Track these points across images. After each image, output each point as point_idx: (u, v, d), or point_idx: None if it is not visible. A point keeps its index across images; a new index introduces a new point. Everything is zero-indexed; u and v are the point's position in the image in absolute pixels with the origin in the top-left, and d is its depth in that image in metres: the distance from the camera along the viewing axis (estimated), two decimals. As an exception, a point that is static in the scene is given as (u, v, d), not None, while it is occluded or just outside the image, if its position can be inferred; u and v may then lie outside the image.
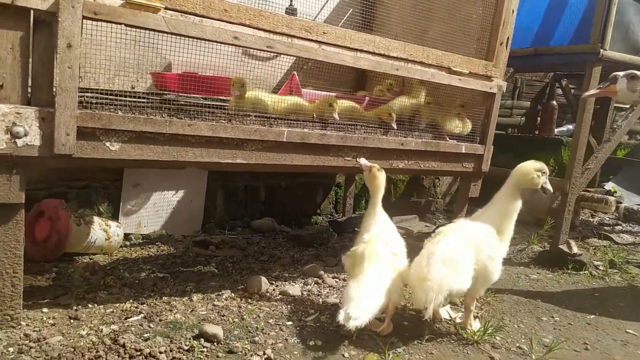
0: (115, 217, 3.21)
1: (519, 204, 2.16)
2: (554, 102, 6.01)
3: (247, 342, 1.87)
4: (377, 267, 2.01)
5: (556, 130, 6.36)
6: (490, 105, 2.91)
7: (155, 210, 3.38)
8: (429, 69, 2.57)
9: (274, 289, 2.44)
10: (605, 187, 6.05)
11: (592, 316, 2.41)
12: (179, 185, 3.47)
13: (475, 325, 2.12)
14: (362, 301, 1.86)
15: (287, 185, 4.03)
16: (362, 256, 2.05)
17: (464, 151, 2.84)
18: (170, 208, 3.45)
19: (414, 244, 3.50)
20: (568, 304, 2.55)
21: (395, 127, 2.59)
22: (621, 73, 2.57)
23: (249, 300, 2.28)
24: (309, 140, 2.24)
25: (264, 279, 2.46)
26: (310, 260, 2.97)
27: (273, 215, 3.88)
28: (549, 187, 2.22)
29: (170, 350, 1.72)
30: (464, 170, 2.92)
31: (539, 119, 6.19)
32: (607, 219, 5.04)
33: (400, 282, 2.08)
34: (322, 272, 2.70)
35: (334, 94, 2.72)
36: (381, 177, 2.24)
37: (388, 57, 2.41)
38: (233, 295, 2.33)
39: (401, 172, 2.98)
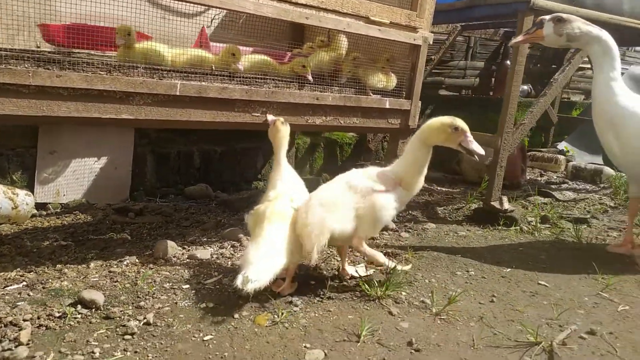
0: (30, 186, 3.05)
1: (425, 158, 2.05)
2: (509, 62, 5.93)
3: (130, 307, 1.77)
4: (278, 226, 1.91)
5: (511, 91, 6.30)
6: (416, 59, 2.80)
7: (75, 178, 3.21)
8: (344, 18, 2.43)
9: (182, 254, 2.33)
10: (558, 146, 6.06)
11: (509, 269, 2.38)
12: (102, 151, 3.30)
13: (353, 271, 2.12)
14: (261, 263, 1.76)
15: (224, 151, 3.90)
16: (263, 215, 1.95)
17: (388, 106, 2.74)
18: (92, 175, 3.29)
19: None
20: (487, 259, 2.51)
21: (311, 79, 2.46)
22: (547, 17, 2.47)
23: (152, 265, 2.18)
24: (207, 94, 2.10)
25: (171, 244, 2.35)
26: (236, 224, 2.87)
27: (209, 182, 3.76)
28: (472, 147, 1.91)
29: (38, 318, 1.61)
30: (390, 126, 2.82)
31: (493, 79, 6.11)
32: (555, 177, 5.05)
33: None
34: (241, 236, 2.61)
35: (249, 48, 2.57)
36: (284, 131, 2.15)
37: (296, 4, 2.26)
38: (137, 261, 2.22)
39: (319, 128, 2.87)
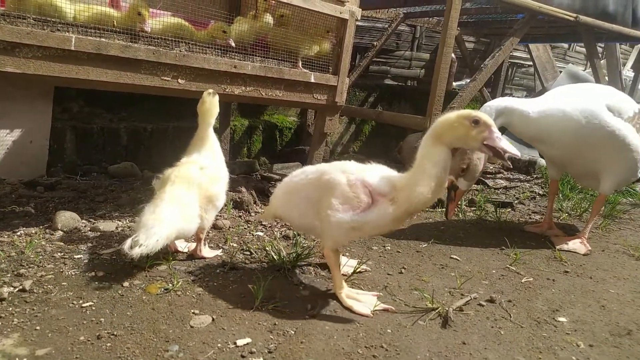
0: None
1: (441, 160, 1.50)
2: (453, 55, 6.01)
3: (8, 275, 1.63)
4: (181, 190, 1.81)
5: (455, 83, 6.40)
6: (343, 33, 2.75)
7: (-18, 151, 2.99)
8: (266, -14, 2.35)
9: (85, 226, 2.19)
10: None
11: (425, 245, 2.37)
12: (16, 123, 3.08)
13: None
14: (155, 227, 1.65)
15: (155, 130, 3.74)
16: (167, 179, 1.85)
17: (313, 80, 2.68)
18: (3, 149, 3.06)
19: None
20: (407, 235, 2.50)
21: (233, 45, 2.37)
22: (451, 177, 2.24)
23: (47, 236, 2.03)
24: (107, 51, 1.96)
25: (73, 215, 2.20)
26: (155, 200, 2.73)
27: (138, 161, 3.59)
28: (501, 145, 1.44)
29: None
30: (316, 102, 2.76)
31: (437, 71, 6.18)
32: (492, 168, 5.15)
33: (212, 209, 1.90)
34: (157, 210, 2.48)
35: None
36: (209, 102, 2.02)
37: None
38: (33, 232, 2.06)
39: (238, 99, 2.77)
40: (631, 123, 2.40)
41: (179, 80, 2.22)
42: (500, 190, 4.02)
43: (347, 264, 1.96)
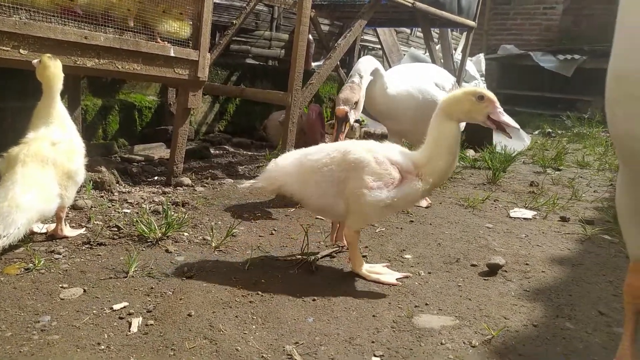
0: None
1: (452, 136, 1.62)
2: (310, 37, 6.28)
3: None
4: (35, 170, 1.69)
5: (313, 64, 6.71)
6: (201, 7, 2.75)
7: None
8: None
9: None
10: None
11: (293, 209, 2.54)
12: None
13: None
14: (11, 214, 1.52)
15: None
16: (16, 159, 1.71)
17: (173, 54, 2.64)
18: None
19: (153, 169, 3.27)
20: (277, 203, 2.64)
21: (80, 12, 2.23)
22: (346, 108, 2.31)
23: None
24: None
25: None
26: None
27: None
28: (503, 119, 1.57)
29: None
30: (177, 77, 2.74)
31: (296, 52, 6.41)
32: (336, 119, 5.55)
33: (72, 185, 1.82)
34: None
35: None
36: (55, 66, 1.87)
37: None
38: None
39: (92, 72, 2.63)
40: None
41: (21, 51, 2.04)
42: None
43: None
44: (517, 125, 1.59)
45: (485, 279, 1.78)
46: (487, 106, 1.57)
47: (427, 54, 7.65)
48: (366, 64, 2.50)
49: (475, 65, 9.64)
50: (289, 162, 1.71)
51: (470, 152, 5.00)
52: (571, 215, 2.77)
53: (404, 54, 7.46)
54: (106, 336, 1.24)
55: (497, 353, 1.28)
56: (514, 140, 5.72)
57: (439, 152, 1.59)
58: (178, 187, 2.85)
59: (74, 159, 1.82)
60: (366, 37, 7.72)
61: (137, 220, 2.02)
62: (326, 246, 2.01)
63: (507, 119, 1.57)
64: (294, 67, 3.30)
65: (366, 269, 1.73)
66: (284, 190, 1.71)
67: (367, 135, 5.62)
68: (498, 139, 5.39)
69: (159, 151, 4.00)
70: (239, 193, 2.83)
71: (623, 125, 0.92)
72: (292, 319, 1.39)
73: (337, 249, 1.97)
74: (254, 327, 1.33)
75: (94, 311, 1.35)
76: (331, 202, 1.65)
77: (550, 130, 9.59)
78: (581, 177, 4.08)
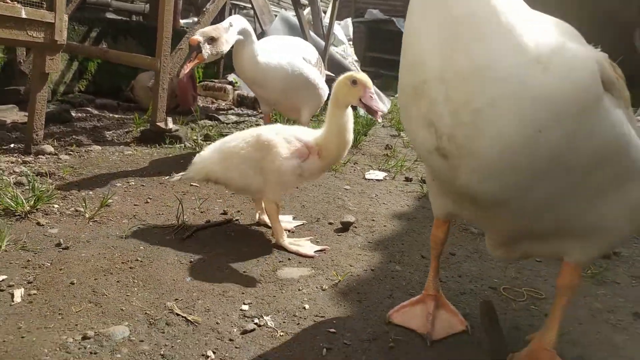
0: None
1: (339, 119, 1.81)
2: (177, -9, 6.05)
3: None
4: None
5: (182, 21, 6.50)
6: (56, -34, 2.60)
7: None
8: None
9: None
10: (228, 78, 6.70)
11: (166, 177, 2.62)
12: None
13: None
14: None
15: None
16: None
17: (24, 16, 2.48)
18: None
19: (7, 135, 3.05)
20: (149, 171, 2.72)
21: None
22: (201, 38, 2.51)
23: None
24: None
25: None
26: None
27: None
28: (371, 103, 1.72)
29: None
30: (32, 40, 2.58)
31: (163, 8, 6.15)
32: (224, 105, 5.62)
33: None
34: None
35: None
36: None
37: None
38: None
39: None
40: (315, 67, 3.13)
41: None
42: (231, 124, 4.52)
43: (285, 220, 2.15)
44: (385, 109, 1.85)
45: (338, 235, 2.13)
46: (359, 90, 1.72)
47: (313, 17, 7.86)
48: (237, 19, 2.64)
49: (344, 30, 10.10)
50: (210, 152, 1.94)
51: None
52: (414, 176, 3.28)
53: (275, 15, 7.56)
54: (-12, 308, 1.30)
55: (341, 293, 1.62)
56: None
57: (331, 135, 1.83)
58: (40, 156, 2.75)
59: None
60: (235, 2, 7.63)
61: (0, 194, 1.98)
62: (201, 212, 2.19)
63: (375, 103, 1.72)
64: (161, 31, 3.28)
65: (288, 241, 1.94)
66: (210, 178, 1.92)
67: (240, 98, 5.72)
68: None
69: (10, 114, 3.70)
70: (108, 161, 2.83)
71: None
72: (171, 280, 1.57)
73: (220, 221, 2.13)
74: (135, 289, 1.49)
75: (-30, 287, 1.39)
76: (251, 181, 1.89)
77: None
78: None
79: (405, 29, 1.10)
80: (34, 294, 1.40)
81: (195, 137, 3.63)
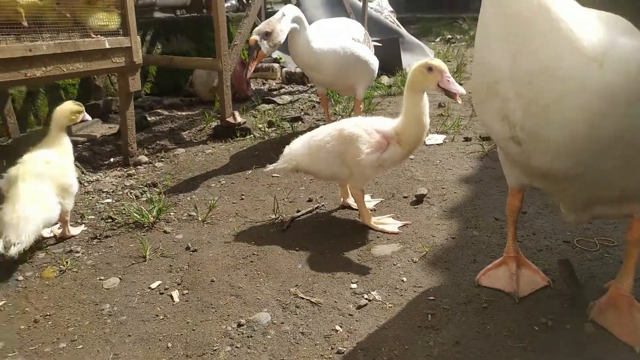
0: None
1: (417, 106, 1.95)
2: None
3: None
4: (32, 185, 1.97)
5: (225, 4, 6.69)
6: (124, -5, 2.87)
7: None
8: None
9: None
10: (272, 55, 6.90)
11: (250, 171, 2.96)
12: None
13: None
14: (21, 224, 1.82)
15: None
16: (15, 177, 1.97)
17: (108, 46, 2.80)
18: None
19: (102, 150, 3.46)
20: (233, 167, 3.04)
21: (26, 24, 2.35)
22: (257, 37, 2.70)
23: None
24: None
25: None
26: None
27: None
28: (450, 87, 1.81)
29: None
30: (116, 66, 2.91)
31: (203, -2, 6.36)
32: (275, 84, 5.86)
33: (69, 195, 2.11)
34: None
35: None
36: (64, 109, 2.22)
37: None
38: None
39: (45, 80, 2.75)
40: (364, 44, 3.28)
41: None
42: (287, 105, 4.76)
43: (365, 200, 2.29)
44: (463, 90, 1.82)
45: (415, 207, 2.37)
46: (436, 76, 1.83)
47: None
48: (289, 9, 2.85)
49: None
50: (299, 145, 2.16)
51: (385, 79, 5.51)
52: (472, 134, 3.42)
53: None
54: (159, 309, 1.67)
55: (431, 264, 1.87)
56: (421, 57, 6.30)
57: (409, 121, 1.96)
58: (138, 166, 3.13)
59: (67, 174, 2.11)
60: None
61: (125, 209, 2.36)
62: (290, 202, 2.49)
63: (453, 86, 1.81)
64: (218, 32, 3.51)
65: (374, 220, 2.17)
66: (300, 168, 2.16)
67: (289, 75, 5.93)
68: (406, 63, 5.94)
69: (97, 128, 4.12)
70: (196, 163, 3.17)
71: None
72: (287, 268, 1.89)
73: (310, 209, 2.42)
74: (261, 280, 1.82)
75: (138, 293, 1.76)
76: (337, 170, 2.10)
77: (450, 36, 10.31)
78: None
79: (477, 36, 1.29)
80: (187, 293, 1.76)
81: (260, 126, 3.91)
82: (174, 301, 1.71)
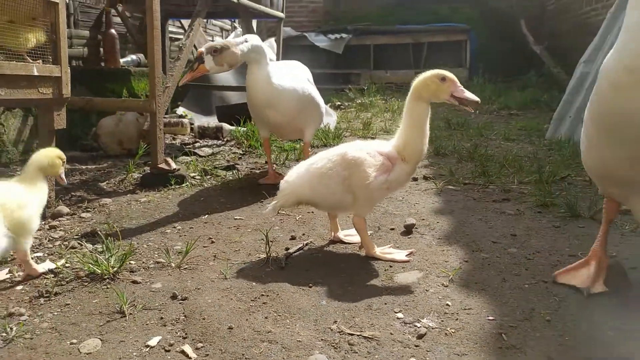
0: None
1: (425, 116, 1.88)
2: (113, 31, 5.84)
3: None
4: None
5: (122, 60, 6.27)
6: (55, 17, 2.48)
7: None
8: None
9: None
10: (177, 112, 6.55)
11: (206, 216, 2.61)
12: None
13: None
14: None
15: None
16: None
17: (36, 73, 2.35)
18: None
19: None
20: (184, 213, 2.66)
21: None
22: (204, 49, 2.63)
23: None
24: None
25: None
26: None
27: None
28: (466, 95, 1.77)
29: None
30: (42, 97, 2.44)
31: (101, 49, 5.91)
32: (187, 139, 5.50)
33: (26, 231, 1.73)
34: None
35: None
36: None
37: None
38: None
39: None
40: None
41: None
42: (210, 156, 4.46)
43: (352, 234, 2.20)
44: (478, 99, 1.80)
45: (408, 237, 2.25)
46: (449, 86, 1.80)
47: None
48: (253, 37, 2.73)
49: (270, 49, 10.26)
50: (297, 176, 1.96)
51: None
52: (415, 175, 3.48)
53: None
54: (175, 370, 1.27)
55: (464, 287, 1.74)
56: (326, 117, 6.48)
57: (413, 133, 1.88)
58: (59, 218, 2.58)
59: (24, 208, 1.72)
60: (171, 29, 7.50)
61: (78, 260, 1.87)
62: (271, 241, 2.21)
63: (468, 94, 1.79)
64: (153, 71, 3.21)
65: (380, 250, 2.00)
66: (301, 200, 1.96)
67: (202, 130, 5.62)
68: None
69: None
70: (134, 211, 2.72)
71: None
72: (312, 306, 1.60)
73: (301, 245, 2.15)
74: (288, 321, 1.51)
75: (135, 354, 1.33)
76: (340, 198, 1.93)
77: (339, 103, 10.92)
78: (398, 142, 4.96)
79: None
80: (202, 346, 1.37)
81: (193, 175, 3.56)
82: (189, 357, 1.32)
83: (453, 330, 1.44)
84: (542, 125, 5.30)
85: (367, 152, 1.92)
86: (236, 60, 2.68)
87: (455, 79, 1.82)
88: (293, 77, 2.99)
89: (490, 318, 1.51)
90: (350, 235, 2.22)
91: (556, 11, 10.01)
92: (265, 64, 2.78)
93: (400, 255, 2.00)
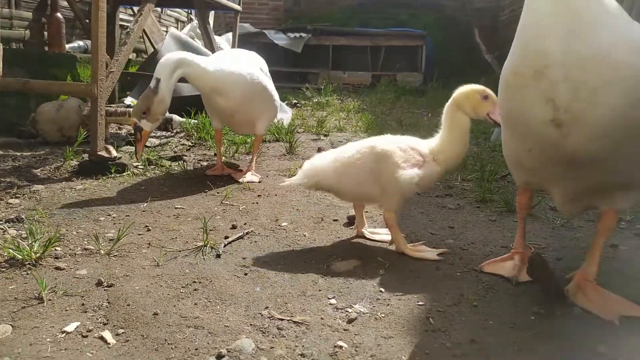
0: None
1: (463, 125, 1.89)
2: (60, 15, 5.59)
3: None
4: None
5: (67, 46, 6.00)
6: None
7: None
8: None
9: None
10: (125, 101, 6.33)
11: (146, 204, 2.52)
12: None
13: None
14: None
15: None
16: None
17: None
18: None
19: None
20: (121, 201, 2.55)
21: None
22: (135, 119, 2.65)
23: None
24: None
25: None
26: None
27: None
28: (500, 119, 1.72)
29: None
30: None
31: (46, 33, 5.63)
32: (132, 129, 5.31)
33: None
34: None
35: None
36: None
37: None
38: None
39: None
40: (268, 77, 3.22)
41: None
42: (157, 147, 4.32)
43: (377, 232, 2.15)
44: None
45: (350, 229, 2.25)
46: (489, 105, 1.81)
47: (186, 33, 7.71)
48: (161, 66, 2.67)
49: (227, 43, 10.12)
50: (323, 161, 1.96)
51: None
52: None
53: (165, 33, 7.32)
54: (90, 355, 1.20)
55: (399, 275, 1.75)
56: (280, 113, 6.44)
57: (453, 140, 1.88)
58: (-14, 204, 2.42)
59: None
60: (123, 17, 7.24)
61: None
62: (211, 230, 2.15)
63: (500, 119, 1.75)
64: (96, 55, 3.08)
65: (410, 247, 1.94)
66: (321, 186, 1.95)
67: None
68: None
69: None
70: (67, 198, 2.59)
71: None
72: (244, 292, 1.57)
73: (242, 233, 2.10)
74: (219, 307, 1.47)
75: (49, 340, 1.25)
76: (367, 189, 1.92)
77: (295, 101, 10.90)
78: (346, 139, 4.98)
79: (525, 23, 1.34)
80: (123, 332, 1.31)
81: (136, 164, 3.44)
82: (108, 343, 1.26)
83: (383, 315, 1.45)
84: (488, 129, 5.47)
85: (398, 146, 1.90)
86: (166, 103, 2.68)
87: (497, 99, 1.72)
88: (236, 62, 2.94)
89: (420, 303, 1.52)
90: (376, 233, 2.16)
91: (508, 21, 10.40)
92: (194, 64, 2.73)
93: (432, 254, 1.93)
